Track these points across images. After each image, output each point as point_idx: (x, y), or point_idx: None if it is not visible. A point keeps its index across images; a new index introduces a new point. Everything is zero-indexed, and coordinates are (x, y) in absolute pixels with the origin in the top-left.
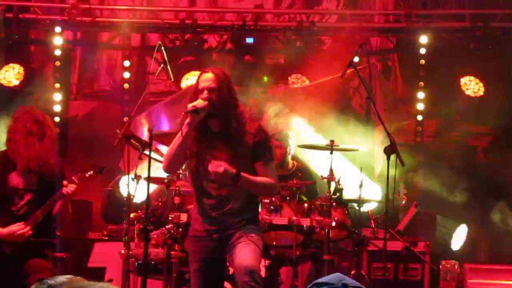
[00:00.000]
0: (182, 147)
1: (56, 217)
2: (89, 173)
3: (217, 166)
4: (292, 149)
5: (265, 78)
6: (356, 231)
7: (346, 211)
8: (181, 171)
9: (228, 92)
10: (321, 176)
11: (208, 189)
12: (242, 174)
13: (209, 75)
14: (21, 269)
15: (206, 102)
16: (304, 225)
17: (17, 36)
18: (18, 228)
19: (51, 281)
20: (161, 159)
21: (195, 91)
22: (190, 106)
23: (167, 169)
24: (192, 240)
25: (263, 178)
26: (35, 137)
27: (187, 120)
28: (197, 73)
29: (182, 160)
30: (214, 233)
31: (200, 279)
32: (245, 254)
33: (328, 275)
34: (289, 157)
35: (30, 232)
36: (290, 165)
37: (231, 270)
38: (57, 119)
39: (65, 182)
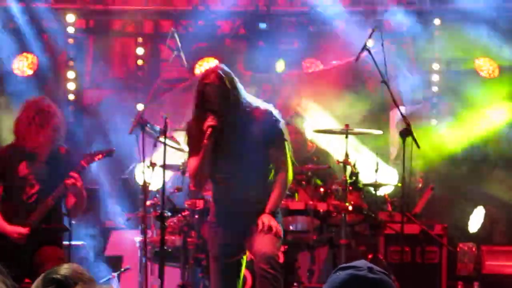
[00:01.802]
0: (206, 159)
1: (70, 209)
2: (97, 156)
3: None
4: (308, 132)
5: (281, 62)
6: (372, 214)
7: (362, 195)
8: None
9: (231, 93)
10: (337, 161)
11: (224, 179)
12: (269, 206)
13: (211, 84)
14: (34, 257)
15: (217, 119)
16: (321, 210)
17: (30, 26)
18: (16, 231)
19: (56, 276)
20: (176, 146)
21: (200, 95)
22: (208, 127)
23: (196, 186)
24: (210, 226)
25: (279, 184)
26: (37, 127)
27: (208, 133)
28: (210, 59)
29: (207, 173)
30: (232, 220)
31: (218, 266)
32: (264, 240)
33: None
34: (308, 138)
35: (24, 240)
36: (309, 147)
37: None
38: (71, 107)
39: (71, 173)
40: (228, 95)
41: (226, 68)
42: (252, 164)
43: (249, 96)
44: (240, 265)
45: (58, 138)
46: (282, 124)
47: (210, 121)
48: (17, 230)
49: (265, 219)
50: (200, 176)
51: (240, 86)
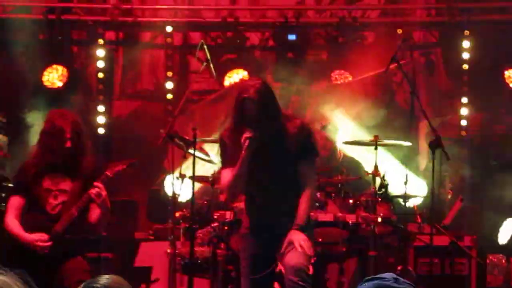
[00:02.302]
0: (243, 171)
1: (95, 222)
2: (122, 166)
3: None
4: (340, 141)
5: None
6: (401, 226)
7: (392, 207)
8: None
9: (269, 108)
10: (366, 172)
11: (257, 191)
12: (299, 222)
13: (250, 99)
14: (59, 270)
15: (254, 131)
16: (350, 221)
17: (59, 38)
18: (39, 238)
19: (95, 285)
20: (206, 157)
21: (238, 109)
22: (246, 139)
23: (229, 198)
24: (242, 237)
25: (306, 198)
26: (61, 138)
27: (246, 145)
28: (239, 71)
29: (243, 184)
30: (265, 231)
31: (250, 277)
32: (294, 253)
33: (374, 271)
34: (338, 147)
35: (47, 250)
36: (338, 155)
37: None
38: (100, 119)
39: (95, 183)
40: (267, 110)
41: (265, 82)
42: (285, 177)
43: (283, 109)
44: (272, 277)
45: (83, 149)
46: (314, 138)
47: (248, 134)
48: (38, 237)
49: (294, 238)
50: (234, 188)
51: (277, 100)
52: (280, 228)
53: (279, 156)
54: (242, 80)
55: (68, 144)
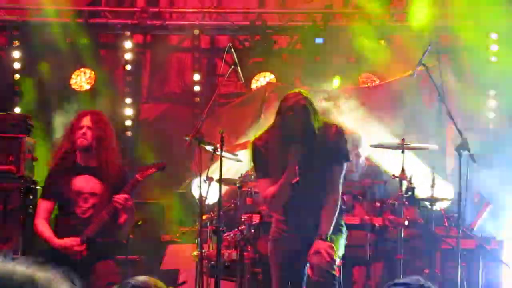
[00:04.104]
0: (289, 190)
1: (122, 225)
2: (151, 170)
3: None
4: (364, 150)
5: (337, 78)
6: (429, 229)
7: (418, 210)
8: (252, 172)
9: (313, 119)
10: (393, 175)
11: (296, 198)
12: (325, 231)
13: (295, 115)
14: (90, 272)
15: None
16: (377, 224)
17: (87, 41)
18: (73, 243)
19: (133, 282)
20: (233, 156)
21: (283, 122)
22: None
23: (273, 210)
24: (275, 242)
25: (332, 206)
26: (81, 134)
27: (294, 169)
28: (267, 74)
29: (286, 199)
30: (300, 237)
31: (282, 281)
32: (321, 256)
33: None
34: (361, 160)
35: (85, 251)
36: (359, 169)
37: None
38: (128, 122)
39: (115, 197)
40: (311, 124)
41: (308, 96)
42: (323, 183)
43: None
44: (302, 281)
45: (111, 151)
46: (347, 143)
47: (295, 179)
48: (71, 242)
49: (320, 246)
50: (281, 201)
51: (317, 108)
52: (311, 232)
53: (318, 164)
54: (287, 95)
55: (84, 130)
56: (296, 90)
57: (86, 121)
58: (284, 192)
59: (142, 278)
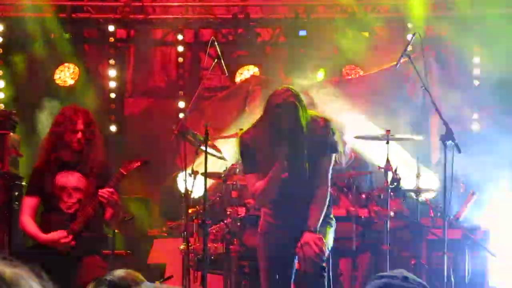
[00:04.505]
0: (278, 184)
1: (108, 219)
2: (136, 164)
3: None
4: (348, 142)
5: (322, 71)
6: (414, 220)
7: (404, 201)
8: (238, 166)
9: (302, 115)
10: (378, 166)
11: (285, 192)
12: (313, 224)
13: (284, 112)
14: (76, 267)
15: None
16: (362, 216)
17: (71, 36)
18: (60, 236)
19: (109, 277)
20: (218, 154)
21: (272, 118)
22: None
23: (261, 205)
24: (262, 234)
25: (321, 199)
26: (70, 131)
27: (282, 164)
28: (251, 67)
29: (274, 193)
30: (289, 231)
31: (270, 275)
32: (310, 248)
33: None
34: (346, 147)
35: (73, 242)
36: (350, 157)
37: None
38: (112, 117)
39: (100, 191)
40: (300, 120)
41: (297, 92)
42: (311, 171)
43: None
44: (291, 274)
45: (95, 144)
46: (336, 135)
47: (285, 174)
48: (58, 235)
49: (309, 238)
50: (266, 197)
51: (305, 104)
52: (300, 225)
53: (306, 157)
54: (275, 91)
55: (80, 136)
56: (285, 87)
57: (80, 124)
58: (273, 187)
59: (119, 273)
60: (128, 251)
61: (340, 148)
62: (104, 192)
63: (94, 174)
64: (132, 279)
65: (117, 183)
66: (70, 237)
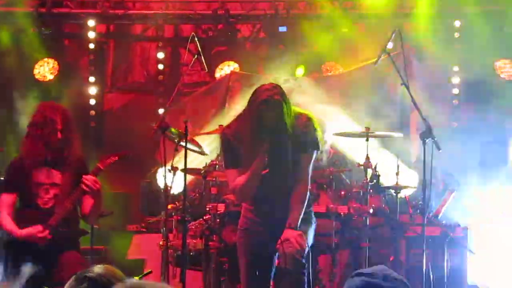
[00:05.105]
0: (259, 178)
1: (88, 214)
2: (114, 159)
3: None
4: (329, 136)
5: (301, 67)
6: (393, 217)
7: (383, 198)
8: (217, 162)
9: (287, 112)
10: (358, 163)
11: (266, 188)
12: (293, 221)
13: (268, 108)
14: (55, 263)
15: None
16: (342, 213)
17: (51, 31)
18: (37, 231)
19: (89, 274)
20: (197, 149)
21: (256, 115)
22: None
23: (241, 200)
24: (242, 230)
25: (300, 195)
26: (50, 131)
27: (263, 160)
28: (230, 63)
29: (255, 188)
30: (265, 224)
31: (250, 272)
32: (290, 245)
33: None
34: (326, 145)
35: (49, 236)
36: (328, 155)
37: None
38: (92, 112)
39: (84, 177)
40: (284, 117)
41: (281, 88)
42: (292, 168)
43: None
44: (271, 272)
45: (72, 141)
46: (318, 132)
47: (265, 144)
48: (34, 230)
49: (290, 235)
50: (247, 192)
51: (289, 101)
52: (281, 222)
53: (288, 154)
54: (261, 87)
55: (59, 135)
56: (272, 83)
57: (59, 124)
58: (253, 183)
59: (98, 269)
60: (107, 247)
61: (321, 145)
62: (88, 178)
63: (71, 170)
64: (111, 275)
65: (94, 177)
66: (47, 231)
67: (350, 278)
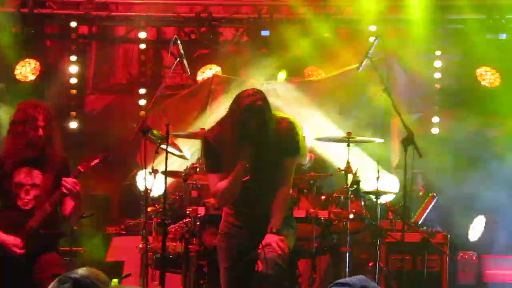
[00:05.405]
0: (240, 183)
1: (69, 215)
2: (94, 161)
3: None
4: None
5: (283, 72)
6: (374, 223)
7: (364, 203)
8: (198, 165)
9: (270, 117)
10: (338, 168)
11: (247, 193)
12: (276, 225)
13: (250, 114)
14: (34, 264)
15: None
16: (322, 218)
17: (32, 31)
18: (14, 243)
19: (73, 275)
20: (178, 153)
21: (239, 121)
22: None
23: (223, 205)
24: (223, 235)
25: (282, 200)
26: (30, 131)
27: (245, 165)
28: (213, 66)
29: (237, 193)
30: (246, 229)
31: (231, 276)
32: (271, 249)
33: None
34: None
35: (23, 251)
36: (309, 157)
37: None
38: (73, 113)
39: (64, 179)
40: (267, 123)
41: (260, 91)
42: (275, 178)
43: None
44: (252, 271)
45: (53, 141)
46: (299, 136)
47: (247, 149)
48: (12, 242)
49: (271, 240)
50: (229, 197)
51: (271, 106)
52: (267, 222)
53: (270, 158)
54: (244, 93)
55: (41, 132)
56: (254, 88)
57: (41, 121)
58: (234, 189)
59: (82, 271)
60: (86, 248)
61: (303, 149)
62: (68, 181)
63: (52, 171)
64: (95, 277)
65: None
66: (23, 250)
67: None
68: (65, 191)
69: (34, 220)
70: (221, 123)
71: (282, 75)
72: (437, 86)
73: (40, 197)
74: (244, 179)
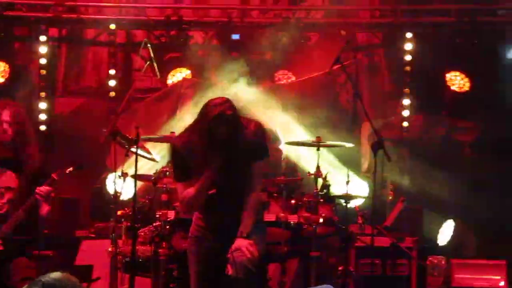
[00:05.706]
0: (206, 190)
1: (47, 216)
2: (68, 169)
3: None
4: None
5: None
6: (343, 227)
7: (333, 207)
8: (167, 169)
9: (238, 124)
10: (308, 173)
11: (216, 196)
12: (246, 230)
13: (221, 122)
14: (4, 267)
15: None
16: (292, 222)
17: (2, 34)
18: None
19: (45, 279)
20: (148, 155)
21: (208, 128)
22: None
23: (189, 212)
24: (193, 239)
25: (253, 204)
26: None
27: (212, 174)
28: (183, 69)
29: (203, 199)
30: (221, 235)
31: (201, 280)
32: (241, 254)
33: (316, 271)
34: (282, 155)
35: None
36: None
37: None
38: (42, 116)
39: (38, 188)
40: (237, 132)
41: (229, 100)
42: (244, 181)
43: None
44: (222, 275)
45: (26, 141)
46: (267, 140)
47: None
48: None
49: (241, 244)
50: (195, 204)
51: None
52: (232, 230)
53: (239, 162)
54: (213, 101)
55: (5, 126)
56: (223, 97)
57: (6, 116)
58: (201, 197)
59: (54, 275)
60: (55, 252)
61: (276, 160)
62: (43, 189)
63: (28, 174)
64: (67, 281)
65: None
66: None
67: None
68: (39, 198)
69: (7, 226)
70: (189, 130)
71: (252, 79)
72: (407, 90)
73: (14, 201)
74: (209, 192)
